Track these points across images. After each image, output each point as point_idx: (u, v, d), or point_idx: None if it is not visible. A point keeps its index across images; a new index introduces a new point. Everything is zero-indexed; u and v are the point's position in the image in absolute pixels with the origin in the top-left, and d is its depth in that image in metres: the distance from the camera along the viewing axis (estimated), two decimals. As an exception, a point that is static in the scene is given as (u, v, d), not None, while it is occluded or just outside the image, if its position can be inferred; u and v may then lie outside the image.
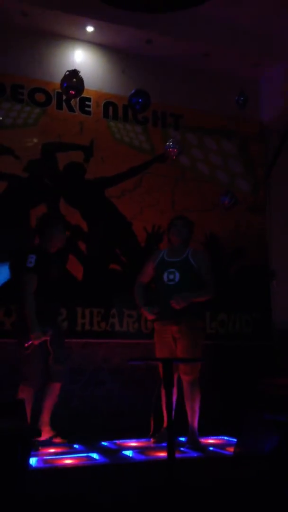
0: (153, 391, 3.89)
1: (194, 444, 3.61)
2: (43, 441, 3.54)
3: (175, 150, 4.74)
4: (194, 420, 3.72)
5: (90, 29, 4.79)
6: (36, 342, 3.48)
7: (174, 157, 4.80)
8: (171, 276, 3.78)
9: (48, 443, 3.57)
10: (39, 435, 3.35)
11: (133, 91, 4.50)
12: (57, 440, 3.64)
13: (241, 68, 5.27)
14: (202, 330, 3.92)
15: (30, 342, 3.47)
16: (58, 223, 3.90)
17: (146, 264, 3.99)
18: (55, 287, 3.75)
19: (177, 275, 3.76)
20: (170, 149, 4.73)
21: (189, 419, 3.74)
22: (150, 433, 3.86)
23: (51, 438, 3.64)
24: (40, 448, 3.43)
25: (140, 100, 4.50)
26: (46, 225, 3.84)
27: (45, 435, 3.61)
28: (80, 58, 4.91)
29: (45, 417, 3.65)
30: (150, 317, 3.81)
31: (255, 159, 5.53)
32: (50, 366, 3.62)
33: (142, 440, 3.83)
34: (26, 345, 3.48)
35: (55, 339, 3.64)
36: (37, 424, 3.61)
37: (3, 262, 4.19)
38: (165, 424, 3.77)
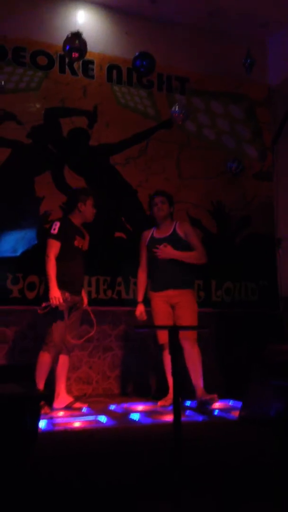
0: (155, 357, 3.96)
1: (204, 404, 3.68)
2: (64, 407, 3.69)
3: (181, 115, 4.64)
4: (200, 381, 3.80)
5: (93, -12, 4.62)
6: (54, 304, 3.56)
7: (180, 123, 4.71)
8: None
9: (69, 409, 3.68)
10: (47, 400, 3.47)
11: (137, 53, 4.38)
12: (77, 405, 3.74)
13: (249, 29, 5.09)
14: (194, 297, 4.08)
15: (48, 303, 3.58)
16: (89, 198, 3.93)
17: (140, 250, 4.10)
18: (79, 256, 3.84)
19: (169, 248, 3.91)
20: (176, 115, 4.63)
21: (194, 381, 3.83)
22: (152, 394, 3.98)
23: (71, 403, 3.74)
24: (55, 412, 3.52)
25: (144, 63, 4.39)
26: (77, 198, 3.91)
27: (64, 402, 3.74)
28: (83, 19, 4.75)
29: (61, 385, 3.78)
30: (139, 318, 3.95)
31: (263, 124, 5.41)
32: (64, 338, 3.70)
33: (149, 403, 3.89)
34: (44, 304, 3.60)
35: (72, 310, 3.75)
36: (51, 389, 3.71)
37: (31, 228, 4.17)
38: (170, 389, 3.83)
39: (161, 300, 3.93)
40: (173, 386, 2.69)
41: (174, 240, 3.97)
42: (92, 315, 3.90)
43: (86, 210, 3.91)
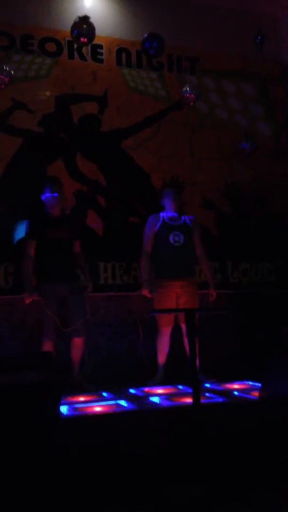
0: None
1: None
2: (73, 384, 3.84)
3: (193, 96, 4.60)
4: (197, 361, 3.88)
5: None
6: (27, 301, 3.80)
7: (192, 104, 4.65)
8: (177, 238, 4.10)
9: (79, 387, 3.81)
10: (65, 386, 3.56)
11: (146, 35, 4.32)
12: (86, 385, 3.86)
13: (260, 4, 4.96)
14: (197, 284, 4.26)
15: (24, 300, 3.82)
16: (49, 187, 3.98)
17: (147, 232, 4.17)
18: (58, 246, 3.88)
19: (182, 237, 4.11)
20: (187, 95, 4.57)
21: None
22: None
23: (80, 383, 3.86)
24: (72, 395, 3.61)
25: (154, 44, 4.34)
26: (42, 191, 4.00)
27: (74, 382, 3.87)
28: (90, 3, 4.68)
29: (75, 365, 3.91)
30: (148, 295, 4.05)
31: (276, 102, 5.31)
32: (69, 325, 3.82)
33: (169, 386, 3.93)
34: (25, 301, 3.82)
35: (67, 298, 3.86)
36: (62, 374, 3.80)
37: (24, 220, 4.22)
38: (158, 370, 4.07)
39: (168, 287, 4.04)
40: (191, 368, 2.71)
41: (186, 229, 4.16)
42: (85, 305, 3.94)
43: (46, 199, 3.97)
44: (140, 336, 4.33)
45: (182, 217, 4.23)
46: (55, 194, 3.95)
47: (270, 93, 5.29)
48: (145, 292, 4.06)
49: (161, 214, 4.22)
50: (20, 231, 4.24)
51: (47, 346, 3.78)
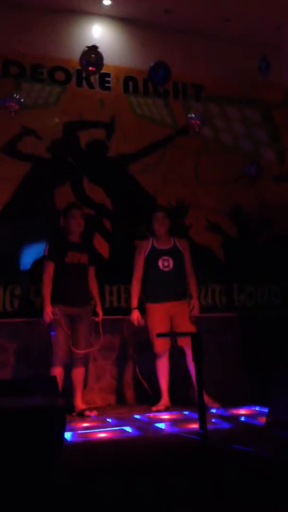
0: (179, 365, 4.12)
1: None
2: (76, 413, 3.83)
3: (198, 122, 4.67)
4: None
5: (107, 2, 4.70)
6: (46, 321, 3.82)
7: (197, 129, 4.73)
8: (166, 263, 4.17)
9: (81, 415, 3.81)
10: (71, 411, 3.56)
11: (152, 63, 4.43)
12: (88, 413, 3.85)
13: (263, 32, 5.08)
14: (189, 306, 4.26)
15: (42, 321, 3.85)
16: (70, 212, 4.11)
17: (137, 257, 4.24)
18: (75, 270, 3.96)
19: (171, 261, 4.16)
20: (193, 122, 4.65)
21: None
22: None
23: (83, 411, 3.85)
24: (72, 421, 3.59)
25: (160, 72, 4.43)
26: (64, 213, 4.13)
27: (77, 409, 3.87)
28: (98, 33, 4.83)
29: (76, 395, 3.92)
30: (137, 323, 4.12)
31: (280, 127, 5.39)
32: (72, 352, 3.86)
33: (174, 412, 3.91)
34: (41, 322, 3.87)
35: (75, 322, 3.89)
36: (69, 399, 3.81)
37: (42, 241, 4.29)
38: (163, 394, 4.06)
39: (159, 311, 4.09)
40: (197, 393, 2.70)
41: (175, 253, 4.20)
42: (100, 329, 4.05)
43: (67, 224, 4.07)
44: (135, 361, 4.33)
45: (172, 241, 4.26)
46: (79, 220, 4.06)
47: (273, 118, 5.37)
48: (133, 318, 4.11)
49: (151, 238, 4.27)
50: (28, 255, 4.30)
51: (57, 371, 3.78)
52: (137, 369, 4.23)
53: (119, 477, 2.37)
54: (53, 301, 3.89)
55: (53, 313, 3.83)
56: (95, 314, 4.09)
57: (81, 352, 3.89)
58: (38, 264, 4.28)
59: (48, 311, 3.83)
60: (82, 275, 4.03)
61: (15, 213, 4.38)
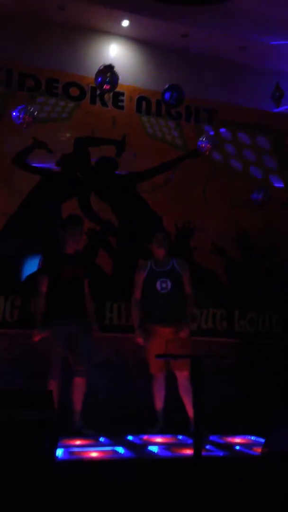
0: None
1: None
2: (72, 430, 3.73)
3: (208, 145, 4.69)
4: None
5: (125, 23, 4.78)
6: (36, 339, 3.78)
7: (207, 153, 4.75)
8: (164, 285, 4.11)
9: (77, 432, 3.72)
10: (67, 427, 3.48)
11: (166, 85, 4.48)
12: (85, 431, 3.75)
13: (279, 62, 5.16)
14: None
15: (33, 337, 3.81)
16: (70, 225, 4.03)
17: (136, 278, 4.21)
18: (70, 284, 3.90)
19: (169, 283, 4.10)
20: (203, 145, 4.68)
21: (190, 413, 3.86)
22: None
23: (80, 428, 3.77)
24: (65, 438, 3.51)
25: (174, 94, 4.47)
26: (61, 227, 4.07)
27: (74, 426, 3.78)
28: (115, 52, 4.91)
29: (76, 407, 3.83)
30: (142, 343, 4.07)
31: (290, 156, 5.42)
32: (71, 365, 3.79)
33: (168, 436, 3.82)
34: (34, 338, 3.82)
35: (74, 337, 3.82)
36: (65, 414, 3.72)
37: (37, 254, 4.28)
38: (158, 418, 4.02)
39: (155, 333, 4.05)
40: (194, 419, 2.64)
41: (174, 275, 4.15)
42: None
43: (64, 236, 4.01)
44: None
45: (170, 262, 4.20)
46: (77, 236, 4.01)
47: (284, 146, 5.40)
48: (139, 340, 4.07)
49: (149, 260, 4.24)
50: (31, 266, 4.28)
51: (53, 386, 3.70)
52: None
53: (108, 499, 2.30)
54: (49, 316, 3.84)
55: (40, 332, 3.79)
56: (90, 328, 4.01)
57: (82, 368, 3.82)
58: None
59: (37, 330, 3.80)
60: (78, 289, 3.96)
61: (20, 224, 4.37)
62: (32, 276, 4.27)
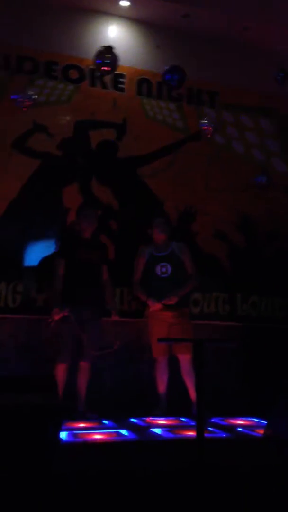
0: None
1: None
2: (77, 413, 3.77)
3: (210, 128, 4.64)
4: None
5: (125, 3, 4.69)
6: (56, 318, 3.74)
7: (209, 136, 4.70)
8: (164, 269, 4.12)
9: (81, 416, 3.74)
10: (69, 412, 3.51)
11: (167, 67, 4.40)
12: (90, 414, 3.78)
13: (282, 43, 5.06)
14: (189, 315, 4.29)
15: (50, 319, 3.76)
16: (84, 209, 4.10)
17: (137, 262, 4.22)
18: (86, 268, 3.90)
19: (169, 268, 4.12)
20: (205, 127, 4.62)
21: (193, 396, 3.91)
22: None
23: (85, 411, 3.80)
24: (69, 421, 3.54)
25: (175, 76, 4.40)
26: (78, 211, 4.10)
27: (79, 408, 3.81)
28: (114, 33, 4.82)
29: (80, 392, 3.85)
30: (158, 306, 4.04)
31: (294, 138, 5.36)
32: (84, 347, 3.78)
33: (171, 418, 3.85)
34: (49, 320, 3.76)
35: (87, 322, 3.82)
36: (71, 399, 3.76)
37: (47, 239, 4.31)
38: (161, 401, 4.02)
39: (158, 317, 4.06)
40: (197, 401, 2.65)
41: (173, 259, 4.15)
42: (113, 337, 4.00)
43: (79, 221, 4.04)
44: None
45: (170, 246, 4.20)
46: (93, 219, 4.04)
47: (287, 129, 5.33)
48: (156, 306, 4.03)
49: (150, 245, 4.24)
50: (34, 251, 4.28)
51: (61, 369, 3.74)
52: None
53: (112, 481, 2.32)
54: (65, 301, 3.84)
55: (61, 311, 3.75)
56: (108, 314, 4.03)
57: (96, 354, 3.83)
58: (42, 261, 4.26)
59: (57, 309, 3.77)
60: (94, 273, 3.98)
61: (21, 210, 4.35)
62: (38, 261, 4.28)
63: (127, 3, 4.69)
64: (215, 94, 5.09)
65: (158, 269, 4.13)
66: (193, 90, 5.00)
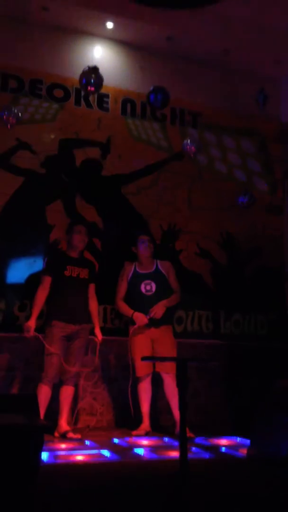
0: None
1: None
2: (59, 434, 3.73)
3: (193, 148, 4.70)
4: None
5: (110, 25, 4.77)
6: (27, 335, 3.77)
7: (192, 156, 4.76)
8: (148, 287, 4.14)
9: (63, 437, 3.69)
10: (51, 432, 3.45)
11: (151, 87, 4.47)
12: (71, 435, 3.72)
13: (262, 66, 5.20)
14: (172, 333, 4.26)
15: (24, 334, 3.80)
16: (76, 224, 4.14)
17: (120, 282, 4.24)
18: (74, 285, 3.91)
19: (154, 285, 4.14)
20: (188, 148, 4.69)
21: (176, 413, 3.86)
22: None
23: (65, 432, 3.73)
24: (50, 442, 3.47)
25: (158, 97, 4.47)
26: (69, 227, 4.14)
27: (61, 430, 3.75)
28: (99, 54, 4.90)
29: (61, 414, 3.81)
30: (144, 321, 4.04)
31: (274, 159, 5.47)
32: (65, 367, 3.78)
33: (154, 438, 3.81)
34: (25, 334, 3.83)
35: (72, 338, 3.83)
36: (53, 419, 3.72)
37: (40, 255, 4.32)
38: (144, 419, 3.99)
39: (142, 335, 4.05)
40: (180, 421, 2.62)
41: (158, 277, 4.18)
42: (97, 349, 4.01)
43: (71, 238, 4.06)
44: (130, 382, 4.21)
45: (155, 264, 4.22)
46: (84, 236, 4.07)
47: (268, 150, 5.44)
48: (141, 318, 4.01)
49: (134, 263, 4.25)
50: (17, 268, 4.25)
51: (44, 389, 3.70)
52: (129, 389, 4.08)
53: (92, 504, 2.27)
54: (52, 317, 3.84)
55: (30, 330, 3.77)
56: (92, 334, 4.01)
57: (73, 370, 3.79)
58: (25, 279, 4.23)
59: (28, 326, 3.77)
60: (81, 291, 3.98)
61: (4, 227, 4.33)
62: (20, 278, 4.26)
63: (112, 25, 4.77)
64: (198, 115, 5.18)
65: (142, 287, 4.14)
66: (176, 110, 5.08)
